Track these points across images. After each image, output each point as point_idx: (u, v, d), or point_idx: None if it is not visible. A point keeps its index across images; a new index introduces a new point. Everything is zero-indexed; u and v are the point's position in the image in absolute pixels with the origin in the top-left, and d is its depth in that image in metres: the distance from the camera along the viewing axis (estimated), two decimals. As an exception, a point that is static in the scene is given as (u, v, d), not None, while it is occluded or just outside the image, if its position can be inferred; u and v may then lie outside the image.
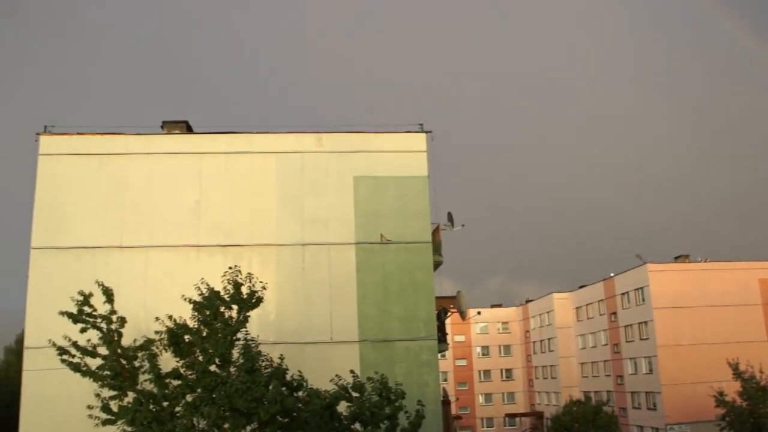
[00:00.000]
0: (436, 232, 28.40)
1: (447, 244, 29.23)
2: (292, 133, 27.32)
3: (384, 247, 26.15)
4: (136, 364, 19.51)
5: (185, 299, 19.29)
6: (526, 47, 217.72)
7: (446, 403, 30.32)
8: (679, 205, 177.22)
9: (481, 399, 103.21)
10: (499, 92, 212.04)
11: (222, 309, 19.28)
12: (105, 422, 18.97)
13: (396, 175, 26.81)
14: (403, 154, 27.17)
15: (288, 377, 18.91)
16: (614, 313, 79.32)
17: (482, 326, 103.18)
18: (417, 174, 26.94)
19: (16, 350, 70.00)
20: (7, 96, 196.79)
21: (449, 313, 31.48)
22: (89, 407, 19.01)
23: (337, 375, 19.12)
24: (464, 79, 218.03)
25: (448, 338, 33.69)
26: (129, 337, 20.03)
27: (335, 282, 25.76)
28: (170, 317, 19.05)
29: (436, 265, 27.67)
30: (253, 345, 18.62)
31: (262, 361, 18.65)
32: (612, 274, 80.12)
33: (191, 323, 19.20)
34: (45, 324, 23.05)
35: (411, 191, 26.74)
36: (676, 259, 75.50)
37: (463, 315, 30.64)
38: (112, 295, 20.01)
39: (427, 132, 27.52)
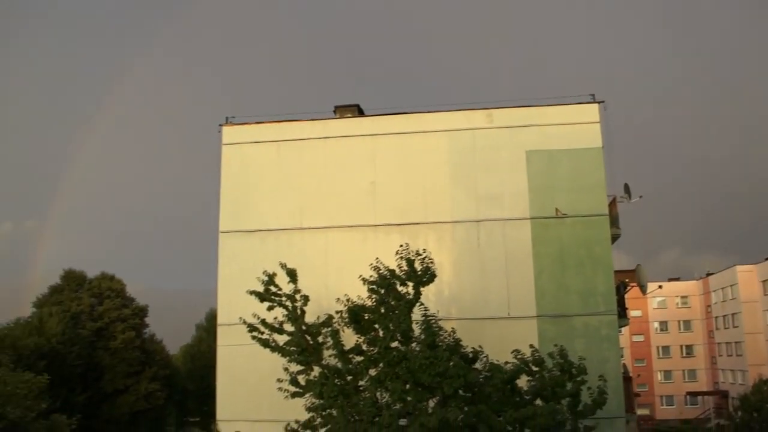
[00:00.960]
0: (612, 204, 27.62)
1: (624, 217, 28.46)
2: (462, 110, 27.31)
3: (559, 221, 25.77)
4: (320, 340, 20.16)
5: (362, 279, 19.77)
6: (703, 16, 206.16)
7: (627, 379, 29.57)
8: None
9: (659, 376, 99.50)
10: (675, 62, 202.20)
11: (398, 286, 19.63)
12: (294, 395, 19.75)
13: (569, 147, 26.27)
14: (576, 126, 26.55)
15: (465, 352, 19.09)
16: (805, 287, 74.11)
17: (659, 300, 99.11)
18: (591, 146, 26.28)
19: (207, 327, 74.60)
20: (194, 87, 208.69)
21: (628, 288, 30.58)
22: (279, 380, 19.88)
23: (516, 349, 19.09)
24: (639, 48, 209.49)
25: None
26: (312, 314, 20.70)
27: (511, 257, 25.68)
28: (347, 299, 19.61)
29: (614, 238, 26.95)
30: (433, 321, 18.88)
31: (442, 336, 18.90)
32: (803, 245, 74.89)
33: (368, 302, 19.68)
34: (234, 303, 24.52)
35: (585, 163, 26.14)
36: None
37: (643, 289, 29.66)
38: (295, 274, 20.80)
39: (599, 102, 26.76)
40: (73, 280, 63.61)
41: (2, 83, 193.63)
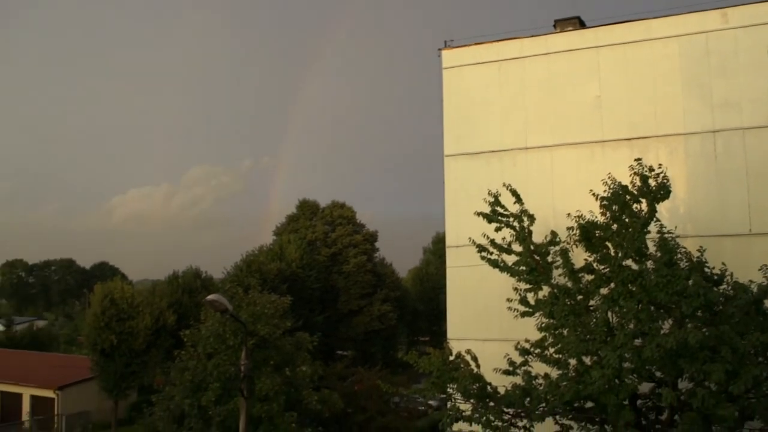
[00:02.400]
0: None
1: None
2: (694, 12, 25.28)
3: (810, 128, 23.47)
4: (549, 259, 19.96)
5: (593, 195, 19.19)
6: None
7: None
8: None
9: None
10: None
11: (630, 203, 18.91)
12: (523, 314, 19.85)
13: (821, 42, 23.62)
14: (832, 16, 23.78)
15: (707, 271, 18.12)
16: None
17: None
18: None
19: (433, 250, 76.91)
20: (412, 13, 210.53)
21: None
22: (508, 300, 20.05)
23: (766, 264, 17.82)
24: None
25: None
26: (539, 234, 20.39)
27: (752, 169, 23.72)
28: (579, 216, 19.12)
29: None
30: (670, 238, 18.04)
31: (679, 253, 18.05)
32: None
33: (599, 219, 19.12)
34: (462, 225, 24.98)
35: (842, 60, 23.42)
36: None
37: None
38: (520, 195, 20.63)
39: None
40: (307, 209, 67.67)
41: (238, 33, 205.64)
